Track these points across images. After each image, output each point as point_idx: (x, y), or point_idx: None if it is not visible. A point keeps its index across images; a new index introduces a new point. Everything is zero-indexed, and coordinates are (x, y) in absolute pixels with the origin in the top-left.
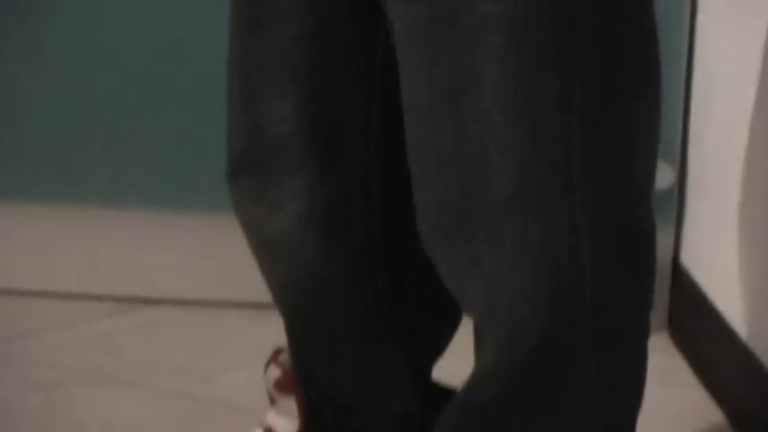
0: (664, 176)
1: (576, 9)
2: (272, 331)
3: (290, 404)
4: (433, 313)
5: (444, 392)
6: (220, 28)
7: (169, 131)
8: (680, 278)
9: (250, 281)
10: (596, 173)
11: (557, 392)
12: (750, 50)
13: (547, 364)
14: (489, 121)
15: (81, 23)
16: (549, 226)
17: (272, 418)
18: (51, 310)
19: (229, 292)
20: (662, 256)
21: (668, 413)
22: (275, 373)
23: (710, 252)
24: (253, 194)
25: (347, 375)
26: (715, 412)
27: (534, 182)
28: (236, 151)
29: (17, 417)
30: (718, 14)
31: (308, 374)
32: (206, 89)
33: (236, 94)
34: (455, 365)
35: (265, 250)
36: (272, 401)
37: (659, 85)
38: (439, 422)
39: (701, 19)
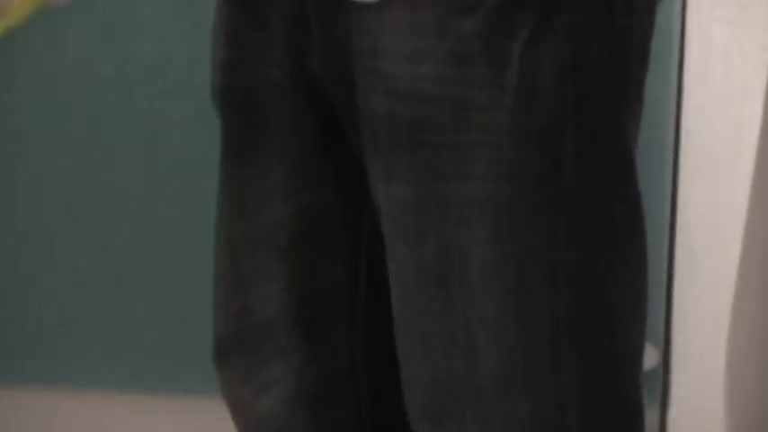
0: (648, 357)
1: (561, 187)
2: None
3: None
4: None
5: None
6: (205, 209)
7: (153, 314)
8: None
9: None
10: (584, 352)
11: None
12: (731, 227)
13: None
14: (476, 302)
15: (65, 205)
16: (537, 407)
17: None
18: None
19: None
20: None
21: None
22: None
23: None
24: (240, 376)
25: None
26: None
27: (522, 363)
28: (223, 333)
29: None
30: (699, 195)
31: None
32: (191, 272)
33: (222, 276)
34: None
35: None
36: None
37: (645, 261)
38: None
39: (681, 198)
